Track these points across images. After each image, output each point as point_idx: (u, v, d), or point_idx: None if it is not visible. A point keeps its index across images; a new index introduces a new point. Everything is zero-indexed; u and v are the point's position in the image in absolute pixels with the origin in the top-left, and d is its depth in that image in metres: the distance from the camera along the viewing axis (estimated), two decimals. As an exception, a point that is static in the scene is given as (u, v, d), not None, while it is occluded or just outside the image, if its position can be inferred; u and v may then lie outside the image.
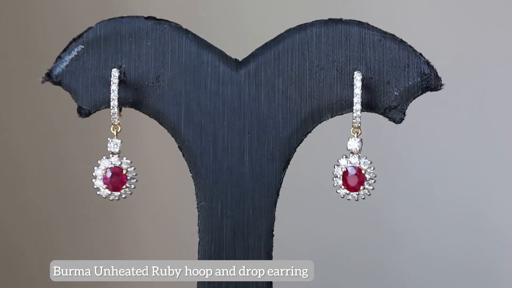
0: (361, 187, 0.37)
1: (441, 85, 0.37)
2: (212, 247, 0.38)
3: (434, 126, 0.84)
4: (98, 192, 0.38)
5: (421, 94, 0.38)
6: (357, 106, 0.37)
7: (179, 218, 0.73)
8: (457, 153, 0.85)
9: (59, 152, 0.87)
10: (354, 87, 0.37)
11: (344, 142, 0.38)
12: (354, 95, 0.36)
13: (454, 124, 0.84)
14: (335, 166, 0.37)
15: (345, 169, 0.37)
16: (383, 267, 0.86)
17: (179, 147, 0.38)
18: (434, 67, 0.37)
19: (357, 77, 0.37)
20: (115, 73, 0.37)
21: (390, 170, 0.81)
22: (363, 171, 0.37)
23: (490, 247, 0.84)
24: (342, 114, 0.38)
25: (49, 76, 0.38)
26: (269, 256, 0.38)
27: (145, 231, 0.89)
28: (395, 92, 0.38)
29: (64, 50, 0.38)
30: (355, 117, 0.37)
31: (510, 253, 0.84)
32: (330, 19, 0.38)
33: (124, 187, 0.38)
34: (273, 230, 0.38)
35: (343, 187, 0.37)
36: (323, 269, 0.86)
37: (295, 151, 0.38)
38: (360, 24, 0.38)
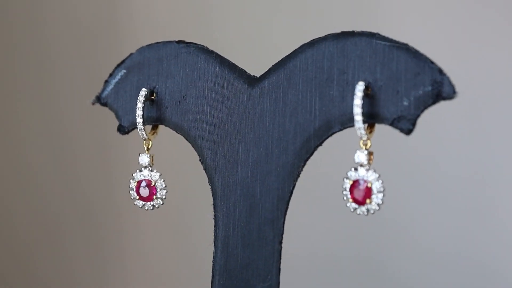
0: (368, 201, 0.36)
1: (454, 93, 0.35)
2: (223, 257, 0.39)
3: (438, 128, 0.82)
4: (134, 203, 0.41)
5: (433, 103, 0.35)
6: (357, 117, 0.36)
7: (199, 228, 0.75)
8: (462, 155, 0.83)
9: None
10: (354, 97, 0.36)
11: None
12: (354, 106, 0.36)
13: (458, 127, 0.83)
14: (344, 179, 0.37)
15: (352, 182, 0.36)
16: (386, 269, 0.86)
17: (200, 160, 0.40)
18: (447, 74, 0.35)
19: (359, 87, 0.36)
20: (142, 92, 0.41)
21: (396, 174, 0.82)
22: (369, 184, 0.36)
23: (495, 248, 0.82)
24: (351, 126, 0.37)
25: (98, 99, 0.43)
26: (277, 267, 0.38)
27: (162, 238, 0.95)
28: (405, 102, 0.36)
29: (110, 75, 0.43)
30: (358, 128, 0.36)
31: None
32: (342, 32, 0.38)
33: (154, 197, 0.41)
34: (281, 241, 0.38)
35: (351, 200, 0.36)
36: (329, 276, 0.83)
37: (305, 163, 0.38)
38: (371, 35, 0.37)
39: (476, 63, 0.82)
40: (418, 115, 0.36)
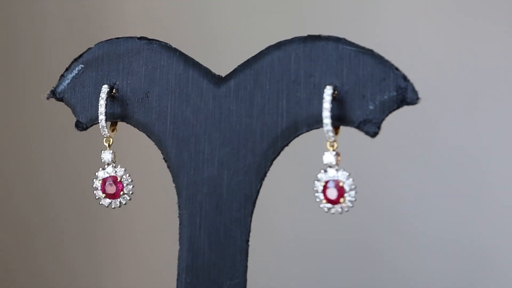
0: (342, 199, 0.37)
1: (417, 98, 0.37)
2: (190, 255, 0.39)
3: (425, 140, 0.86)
4: (100, 203, 0.41)
5: (397, 108, 0.37)
6: (326, 120, 0.37)
7: (164, 226, 0.75)
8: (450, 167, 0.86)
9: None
10: (323, 101, 0.37)
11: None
12: (323, 109, 0.37)
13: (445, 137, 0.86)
14: (315, 182, 0.38)
15: (324, 183, 0.37)
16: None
17: (164, 158, 0.40)
18: (411, 81, 0.37)
19: (327, 91, 0.37)
20: (104, 89, 0.40)
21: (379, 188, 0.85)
22: (341, 183, 0.37)
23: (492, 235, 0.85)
24: (318, 128, 0.38)
25: (53, 93, 0.42)
26: (244, 265, 0.39)
27: (128, 236, 0.95)
28: (370, 106, 0.37)
29: (67, 69, 0.42)
30: (326, 130, 0.37)
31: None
32: (309, 36, 0.39)
33: (121, 193, 0.40)
34: (248, 240, 0.39)
35: (324, 201, 0.38)
36: (297, 276, 0.87)
37: (271, 164, 0.39)
38: (337, 39, 0.38)
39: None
40: (383, 119, 0.37)
